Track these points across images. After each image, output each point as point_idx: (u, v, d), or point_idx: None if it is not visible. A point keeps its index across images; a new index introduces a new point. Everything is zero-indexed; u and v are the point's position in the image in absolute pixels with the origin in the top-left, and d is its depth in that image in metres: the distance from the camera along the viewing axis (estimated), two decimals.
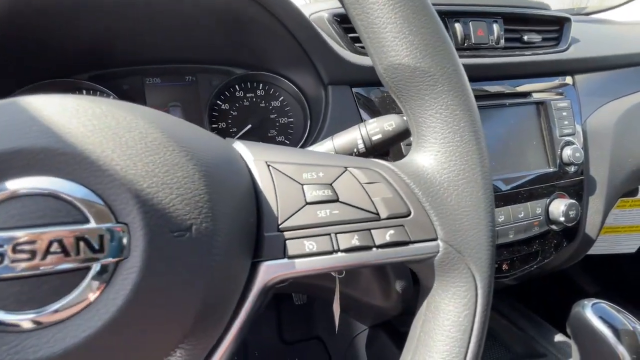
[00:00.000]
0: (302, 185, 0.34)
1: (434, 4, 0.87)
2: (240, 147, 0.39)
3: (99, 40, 0.74)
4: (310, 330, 1.55)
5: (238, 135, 0.95)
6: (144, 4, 0.63)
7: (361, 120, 0.79)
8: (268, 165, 0.36)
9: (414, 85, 0.35)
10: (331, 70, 0.76)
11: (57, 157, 0.23)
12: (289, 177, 0.35)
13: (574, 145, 0.92)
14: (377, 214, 0.34)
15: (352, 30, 0.82)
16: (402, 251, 0.34)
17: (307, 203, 0.34)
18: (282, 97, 0.99)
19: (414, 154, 0.37)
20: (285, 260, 0.32)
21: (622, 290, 1.47)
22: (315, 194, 0.34)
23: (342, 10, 0.82)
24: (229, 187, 0.31)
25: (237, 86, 0.95)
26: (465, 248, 0.34)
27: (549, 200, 0.88)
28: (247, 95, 0.97)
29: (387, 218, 0.34)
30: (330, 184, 0.34)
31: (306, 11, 0.79)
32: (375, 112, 0.80)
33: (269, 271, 0.32)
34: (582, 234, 0.96)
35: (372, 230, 0.33)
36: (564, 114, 0.94)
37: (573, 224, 0.87)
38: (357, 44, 0.82)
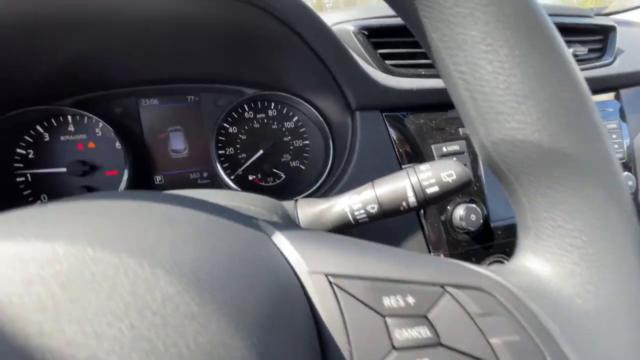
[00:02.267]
0: (385, 317, 0.24)
1: None
2: (284, 245, 0.28)
3: (83, 62, 0.61)
4: None
5: (246, 165, 0.83)
6: (141, 20, 0.51)
7: (395, 150, 0.68)
8: (331, 283, 0.25)
9: (540, 169, 0.24)
10: (361, 94, 0.65)
11: None
12: (365, 304, 0.24)
13: (625, 173, 0.82)
14: None
15: (383, 45, 0.71)
16: None
17: (395, 348, 0.23)
18: (296, 118, 0.88)
19: (534, 260, 0.26)
20: None
21: None
22: (407, 335, 0.23)
23: (371, 22, 0.71)
24: (281, 339, 0.20)
25: (245, 106, 0.83)
26: None
27: None
28: (258, 116, 0.86)
29: None
30: (425, 316, 0.24)
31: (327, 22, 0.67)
32: (410, 142, 0.69)
33: None
34: None
35: None
36: (613, 136, 0.84)
37: None
38: (388, 62, 0.70)
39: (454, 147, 0.68)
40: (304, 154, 0.90)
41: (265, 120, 0.86)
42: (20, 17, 0.44)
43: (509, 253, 0.71)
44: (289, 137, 0.88)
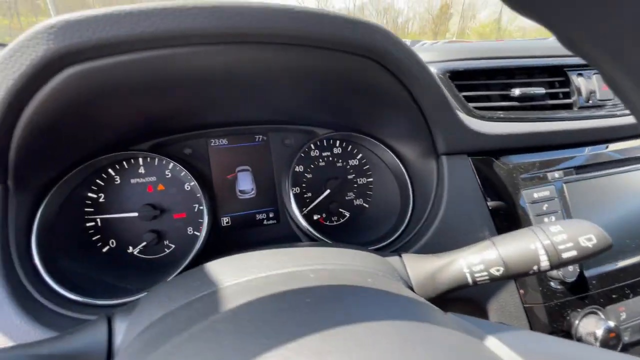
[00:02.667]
0: None
1: (550, 55, 0.75)
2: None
3: (163, 113, 0.60)
4: None
5: (315, 203, 0.80)
6: (247, 74, 0.49)
7: (484, 197, 0.65)
8: None
9: None
10: (452, 140, 0.63)
11: None
12: None
13: None
14: None
15: (466, 87, 0.70)
16: None
17: None
18: (360, 155, 0.85)
19: None
20: None
21: None
22: None
23: (454, 65, 0.70)
24: None
25: (312, 145, 0.81)
26: None
27: None
28: (323, 154, 0.84)
29: None
30: None
31: None
32: (498, 187, 0.66)
33: None
34: None
35: None
36: None
37: None
38: (471, 104, 0.69)
39: (545, 192, 0.66)
40: (368, 192, 0.87)
41: (331, 159, 0.84)
42: (141, 78, 0.42)
43: (604, 304, 0.67)
44: (353, 175, 0.86)
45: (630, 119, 0.75)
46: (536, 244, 0.45)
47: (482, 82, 0.71)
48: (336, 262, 0.42)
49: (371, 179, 0.87)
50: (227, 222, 0.78)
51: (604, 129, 0.72)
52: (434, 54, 0.71)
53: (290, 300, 0.27)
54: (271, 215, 0.81)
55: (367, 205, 0.87)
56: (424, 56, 0.68)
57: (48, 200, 0.56)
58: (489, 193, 0.66)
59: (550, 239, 0.44)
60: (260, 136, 0.80)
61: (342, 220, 0.85)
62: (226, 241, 0.77)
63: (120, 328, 0.36)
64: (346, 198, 0.85)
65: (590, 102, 0.73)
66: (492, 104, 0.69)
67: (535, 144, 0.68)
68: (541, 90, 0.69)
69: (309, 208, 0.81)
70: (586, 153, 0.72)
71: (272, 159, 0.80)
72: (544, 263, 0.44)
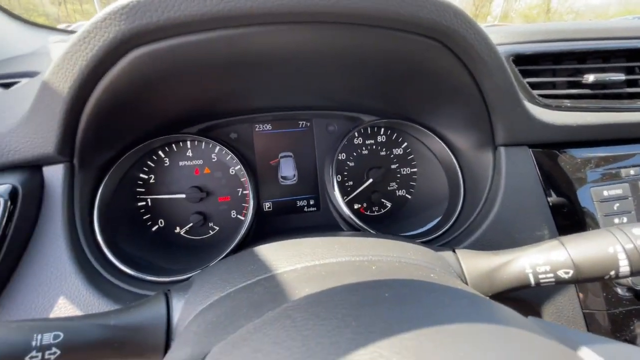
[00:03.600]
0: None
1: (630, 37, 0.67)
2: None
3: (215, 96, 0.60)
4: None
5: (357, 192, 0.79)
6: (312, 57, 0.47)
7: (545, 193, 0.60)
8: None
9: None
10: (514, 130, 0.58)
11: None
12: None
13: None
14: None
15: (530, 73, 0.64)
16: None
17: None
18: (405, 144, 0.82)
19: None
20: None
21: None
22: None
23: (522, 48, 0.64)
24: None
25: (355, 132, 0.79)
26: None
27: None
28: (367, 142, 0.81)
29: None
30: None
31: None
32: (562, 183, 0.61)
33: None
34: None
35: None
36: None
37: None
38: (536, 91, 0.63)
39: (617, 191, 0.60)
40: (411, 183, 0.84)
41: (374, 147, 0.81)
42: (202, 59, 0.42)
43: None
44: (397, 165, 0.83)
45: None
46: (616, 247, 0.41)
47: (549, 67, 0.65)
48: (391, 255, 0.41)
49: (415, 170, 0.83)
50: (268, 207, 0.78)
51: None
52: (496, 36, 0.65)
53: (370, 295, 0.26)
54: (312, 202, 0.80)
55: (409, 197, 0.84)
56: None
57: (107, 179, 0.59)
58: (550, 189, 0.61)
59: (634, 242, 0.40)
60: (304, 122, 0.78)
61: (383, 211, 0.83)
62: (267, 226, 0.78)
63: (178, 305, 0.37)
64: (388, 188, 0.83)
65: None
66: (559, 92, 0.63)
67: (608, 136, 0.61)
68: (620, 77, 0.61)
69: (350, 197, 0.79)
70: None
71: (315, 145, 0.79)
72: (624, 268, 0.40)
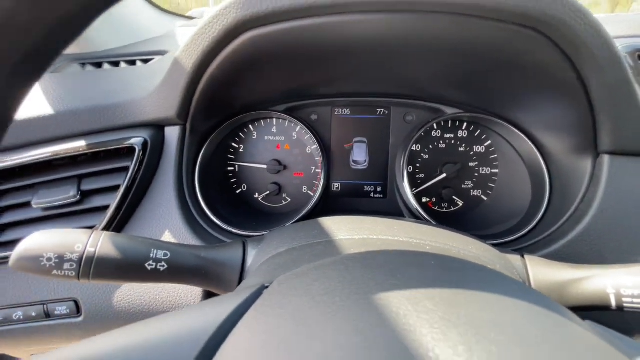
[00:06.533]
0: None
1: None
2: None
3: (305, 79, 0.65)
4: None
5: (427, 185, 0.77)
6: (413, 46, 0.49)
7: None
8: None
9: None
10: (623, 136, 0.50)
11: None
12: None
13: None
14: None
15: None
16: None
17: None
18: (488, 142, 0.77)
19: None
20: None
21: None
22: None
23: None
24: None
25: (434, 124, 0.77)
26: None
27: None
28: (446, 135, 0.79)
29: None
30: None
31: None
32: None
33: None
34: None
35: None
36: None
37: None
38: None
39: None
40: (489, 184, 0.79)
41: (453, 142, 0.78)
42: (303, 43, 0.47)
43: None
44: (476, 163, 0.78)
45: None
46: None
47: None
48: (449, 243, 0.41)
49: (496, 170, 0.78)
50: (337, 188, 0.83)
51: None
52: (621, 27, 0.56)
53: (417, 261, 0.28)
54: (379, 189, 0.82)
55: (485, 198, 0.79)
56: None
57: (208, 144, 0.70)
58: None
59: None
60: (382, 109, 0.80)
61: (453, 209, 0.80)
62: (333, 206, 0.83)
63: (251, 253, 0.44)
64: (463, 186, 0.79)
65: None
66: None
67: None
68: None
69: (419, 189, 0.79)
70: None
71: (391, 133, 0.80)
72: None
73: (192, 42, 0.48)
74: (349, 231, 0.42)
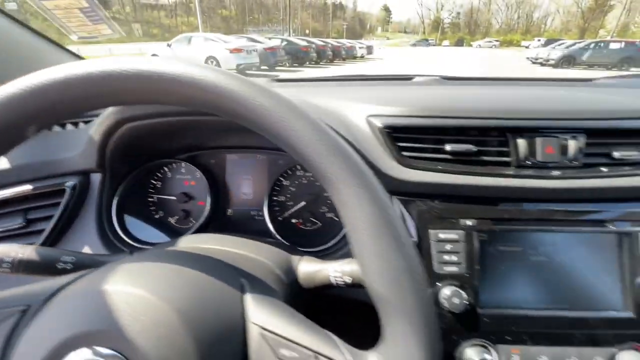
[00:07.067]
0: None
1: (491, 118, 0.83)
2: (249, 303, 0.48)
3: (200, 141, 0.96)
4: None
5: (291, 211, 1.07)
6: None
7: None
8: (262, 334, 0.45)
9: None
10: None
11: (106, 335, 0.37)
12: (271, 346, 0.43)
13: None
14: None
15: (402, 139, 0.86)
16: None
17: None
18: None
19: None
20: None
21: None
22: None
23: (396, 120, 0.86)
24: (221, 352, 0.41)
25: (299, 166, 1.07)
26: None
27: (618, 350, 0.75)
28: (307, 174, 1.09)
29: None
30: None
31: (362, 114, 0.85)
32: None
33: None
34: None
35: None
36: None
37: None
38: (404, 153, 0.84)
39: (452, 235, 0.78)
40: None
41: (312, 179, 1.09)
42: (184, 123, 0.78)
43: (495, 341, 0.76)
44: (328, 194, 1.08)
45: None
46: None
47: (424, 136, 0.85)
48: (237, 250, 0.69)
49: None
50: (230, 213, 1.12)
51: (537, 190, 0.77)
52: (386, 109, 0.88)
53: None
54: (260, 213, 1.11)
55: (337, 219, 1.09)
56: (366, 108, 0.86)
57: (124, 184, 0.98)
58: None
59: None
60: (261, 156, 1.10)
61: (315, 227, 1.09)
62: (229, 226, 1.11)
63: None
64: (320, 210, 1.09)
65: (529, 162, 0.79)
66: (430, 156, 0.83)
67: (459, 194, 0.80)
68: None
69: (287, 213, 1.08)
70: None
71: (268, 173, 1.10)
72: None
73: (98, 123, 0.79)
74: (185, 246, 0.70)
